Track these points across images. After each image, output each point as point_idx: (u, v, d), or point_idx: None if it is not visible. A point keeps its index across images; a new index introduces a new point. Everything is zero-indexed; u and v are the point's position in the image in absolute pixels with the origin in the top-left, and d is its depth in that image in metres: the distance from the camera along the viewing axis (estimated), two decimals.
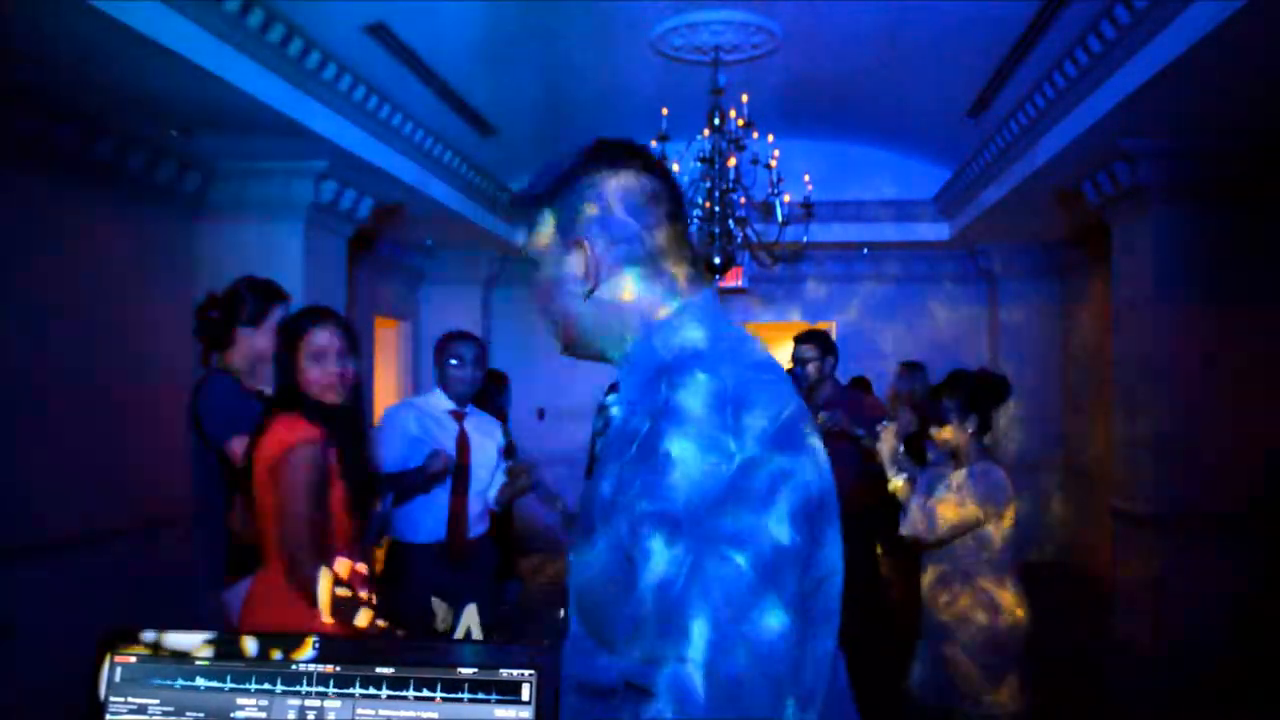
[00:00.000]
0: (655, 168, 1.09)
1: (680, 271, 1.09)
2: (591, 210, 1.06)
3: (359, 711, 0.95)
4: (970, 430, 2.76)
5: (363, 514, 2.19)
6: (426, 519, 3.10)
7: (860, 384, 5.76)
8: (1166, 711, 4.05)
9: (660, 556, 0.85)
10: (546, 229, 1.09)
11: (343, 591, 2.06)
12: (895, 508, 2.82)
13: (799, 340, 3.88)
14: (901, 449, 2.89)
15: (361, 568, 2.14)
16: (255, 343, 2.57)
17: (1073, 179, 4.91)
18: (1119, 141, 4.27)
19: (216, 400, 2.46)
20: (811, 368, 3.78)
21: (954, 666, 2.67)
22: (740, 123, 4.59)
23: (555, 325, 1.12)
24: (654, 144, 4.74)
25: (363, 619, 2.04)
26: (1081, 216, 5.56)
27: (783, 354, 3.36)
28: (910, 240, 7.12)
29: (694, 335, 1.03)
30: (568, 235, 1.07)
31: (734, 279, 7.33)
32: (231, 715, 0.96)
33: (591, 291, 1.06)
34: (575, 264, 1.06)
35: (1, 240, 3.52)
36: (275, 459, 1.99)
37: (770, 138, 4.98)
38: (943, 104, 5.54)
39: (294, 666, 0.96)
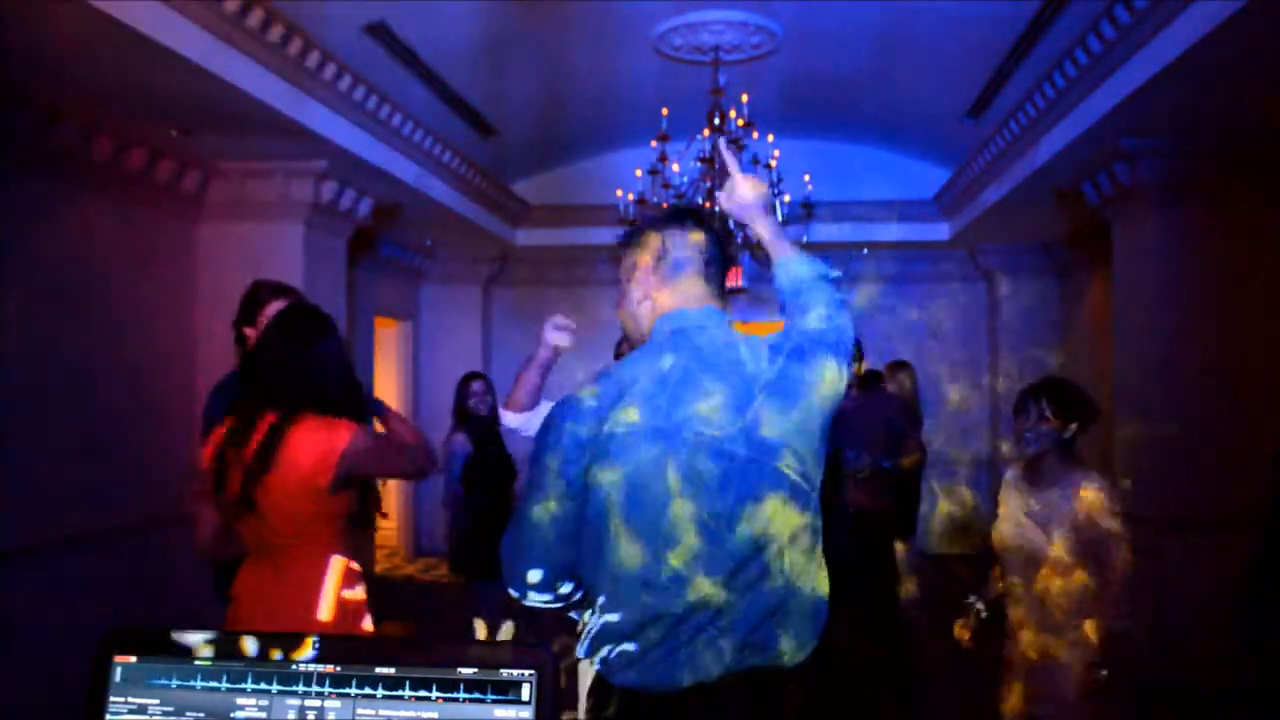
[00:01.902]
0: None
1: None
2: None
3: (359, 711, 0.95)
4: (1065, 437, 2.44)
5: (363, 504, 2.18)
6: None
7: (874, 378, 5.76)
8: (1166, 711, 4.04)
9: None
10: None
11: (349, 595, 2.06)
12: (911, 508, 2.81)
13: None
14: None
15: (356, 566, 2.14)
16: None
17: (1073, 179, 4.90)
18: (1119, 141, 4.27)
19: (223, 402, 2.44)
20: None
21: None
22: (740, 123, 4.59)
23: None
24: (654, 144, 4.75)
25: (368, 624, 2.04)
26: (1081, 216, 5.56)
27: None
28: (910, 240, 7.11)
29: None
30: None
31: (733, 279, 7.30)
32: (231, 715, 0.96)
33: None
34: None
35: (1, 240, 3.52)
36: (339, 459, 1.94)
37: (770, 138, 4.98)
38: (943, 104, 5.54)
39: (294, 666, 0.96)
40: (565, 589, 1.46)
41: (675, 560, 1.37)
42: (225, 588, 2.16)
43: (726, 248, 1.58)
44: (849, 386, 3.99)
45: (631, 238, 1.59)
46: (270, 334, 2.08)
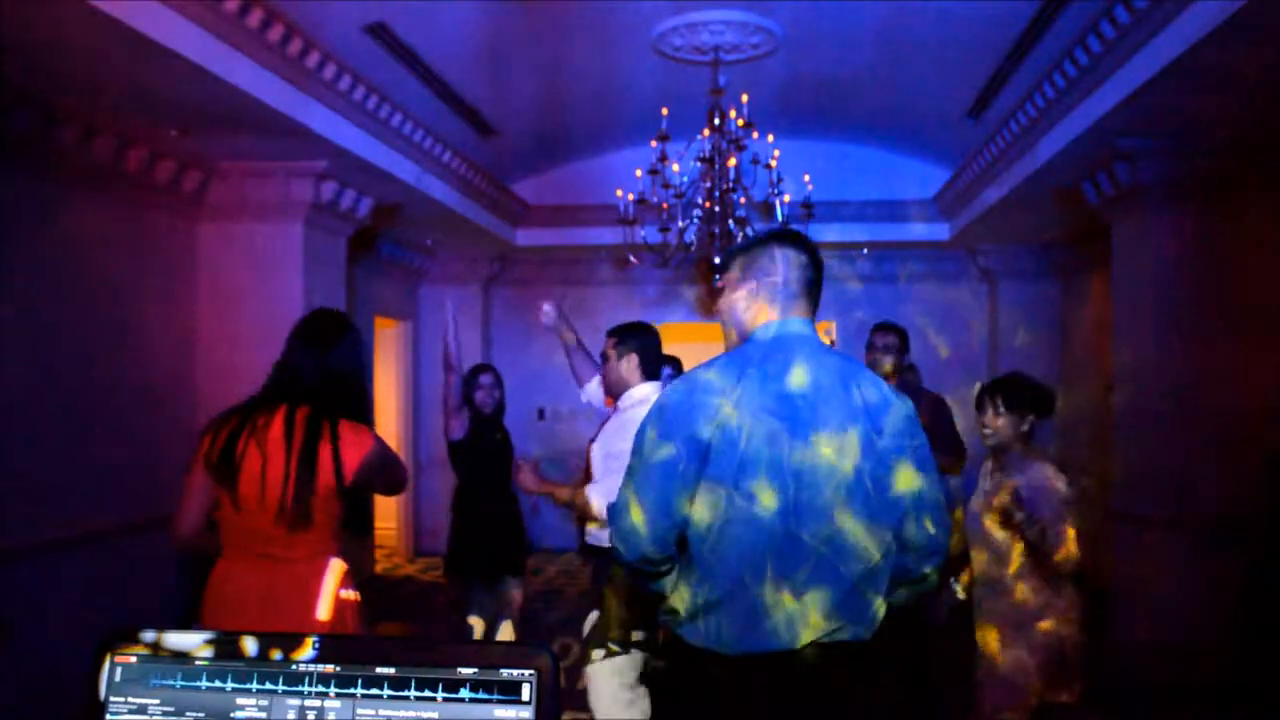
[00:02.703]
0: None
1: None
2: None
3: (359, 711, 0.95)
4: (1024, 429, 2.68)
5: (360, 509, 2.20)
6: None
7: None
8: (1166, 711, 4.04)
9: None
10: None
11: (347, 595, 2.06)
12: None
13: (875, 330, 3.87)
14: None
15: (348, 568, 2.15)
16: None
17: (1073, 179, 4.90)
18: (1119, 141, 4.27)
19: None
20: (888, 360, 3.77)
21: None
22: (740, 123, 4.59)
23: None
24: (654, 144, 4.75)
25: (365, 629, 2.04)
26: (1081, 216, 5.56)
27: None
28: (910, 240, 7.11)
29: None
30: None
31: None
32: (231, 715, 0.96)
33: None
34: None
35: (1, 240, 3.52)
36: (361, 464, 2.04)
37: (770, 138, 4.97)
38: (943, 104, 5.54)
39: (294, 666, 0.96)
40: (651, 559, 1.63)
41: (765, 546, 1.56)
42: (200, 583, 2.16)
43: (820, 267, 1.79)
44: (899, 371, 3.97)
45: (735, 255, 1.84)
46: (290, 339, 2.13)
